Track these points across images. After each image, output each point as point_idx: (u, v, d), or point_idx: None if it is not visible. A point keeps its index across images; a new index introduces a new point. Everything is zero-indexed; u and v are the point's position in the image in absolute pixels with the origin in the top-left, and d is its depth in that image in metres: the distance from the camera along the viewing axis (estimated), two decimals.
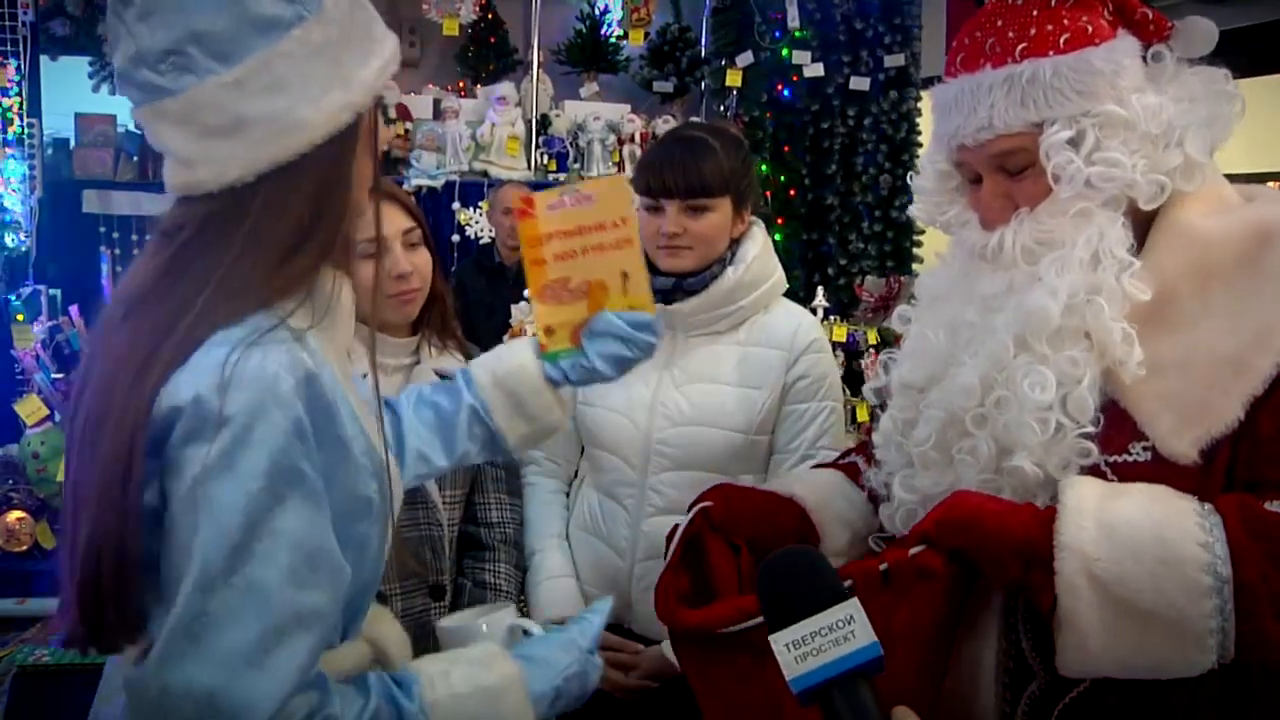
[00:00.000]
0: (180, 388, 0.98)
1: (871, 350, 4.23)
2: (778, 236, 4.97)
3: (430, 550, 1.85)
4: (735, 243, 1.94)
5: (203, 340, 1.00)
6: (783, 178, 5.05)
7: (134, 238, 4.83)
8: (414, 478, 1.43)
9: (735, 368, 1.91)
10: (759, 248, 1.95)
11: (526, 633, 1.34)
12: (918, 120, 5.09)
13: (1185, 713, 1.16)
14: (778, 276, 1.98)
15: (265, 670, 0.96)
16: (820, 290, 4.27)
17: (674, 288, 1.91)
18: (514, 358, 1.46)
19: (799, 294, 4.65)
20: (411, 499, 1.80)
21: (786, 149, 5.07)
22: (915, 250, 5.09)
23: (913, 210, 1.48)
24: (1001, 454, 1.23)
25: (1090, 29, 1.23)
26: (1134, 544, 1.09)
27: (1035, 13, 1.25)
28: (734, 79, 5.07)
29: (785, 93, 5.04)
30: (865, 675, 0.95)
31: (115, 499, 0.98)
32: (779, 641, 0.98)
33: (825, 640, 0.96)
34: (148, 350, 1.00)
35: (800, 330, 1.93)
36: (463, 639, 1.27)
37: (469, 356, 1.90)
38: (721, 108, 5.16)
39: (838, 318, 4.39)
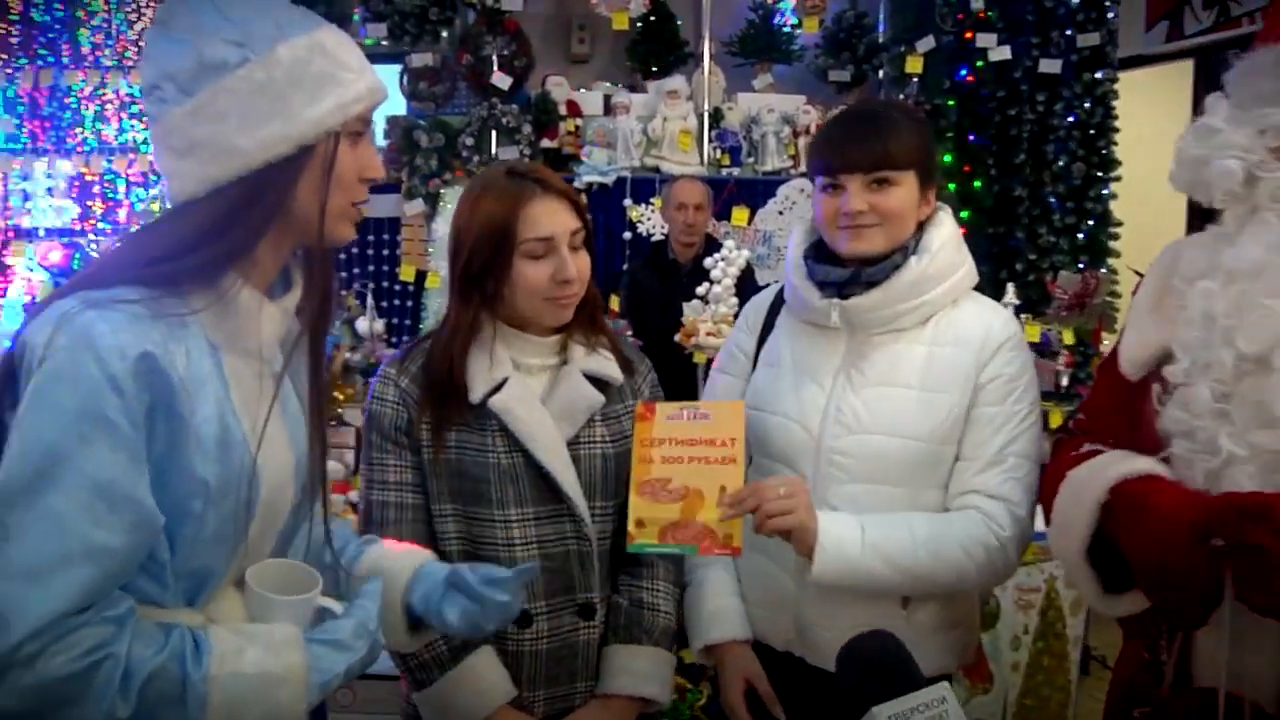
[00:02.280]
0: (32, 330, 1.15)
1: (1066, 351, 4.04)
2: (962, 231, 4.75)
3: (579, 566, 1.77)
4: (919, 229, 1.81)
5: (66, 295, 1.18)
6: (967, 168, 4.87)
7: None
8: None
9: (920, 370, 1.76)
10: (946, 236, 1.80)
11: (329, 611, 1.35)
12: (1114, 103, 4.81)
13: None
14: (968, 268, 1.84)
15: (43, 588, 1.07)
16: (1009, 287, 4.10)
17: (850, 280, 1.78)
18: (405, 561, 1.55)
19: (986, 290, 4.44)
20: (557, 512, 1.74)
21: (971, 138, 4.89)
22: (1112, 244, 4.82)
23: (1223, 166, 1.46)
24: None
25: None
26: None
27: None
28: (914, 65, 4.91)
29: (969, 78, 4.88)
30: None
31: None
32: (882, 714, 1.13)
33: (924, 716, 1.14)
34: (55, 293, 1.21)
35: (994, 328, 1.78)
36: (266, 609, 1.28)
37: (621, 355, 1.85)
38: (902, 96, 4.98)
39: (1029, 316, 4.21)
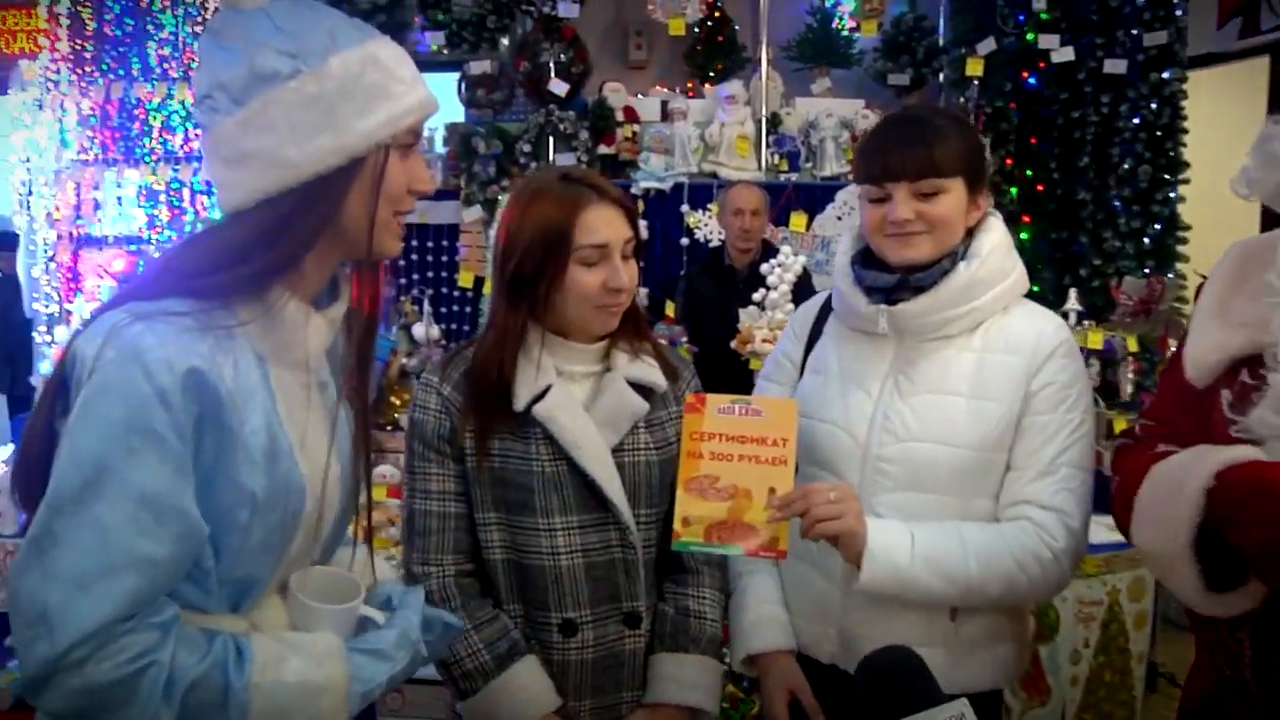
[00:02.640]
0: (81, 341, 1.17)
1: (1131, 358, 3.94)
2: (1024, 235, 4.75)
3: (624, 574, 1.75)
4: (969, 234, 1.77)
5: (116, 306, 1.19)
6: (1029, 172, 4.79)
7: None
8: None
9: (969, 377, 1.73)
10: (996, 241, 1.76)
11: (371, 620, 1.36)
12: (1183, 103, 4.69)
13: None
14: (1018, 274, 1.79)
15: (89, 597, 1.09)
16: (1072, 293, 4.02)
17: (898, 285, 1.74)
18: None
19: (1048, 297, 4.51)
20: (602, 520, 1.73)
21: (1033, 141, 4.81)
22: (1180, 248, 4.71)
23: None
24: None
25: None
26: None
27: None
28: (974, 68, 4.84)
29: (1031, 81, 4.79)
30: None
31: (36, 423, 1.20)
32: None
33: None
34: (106, 304, 1.23)
35: (1045, 334, 1.74)
36: (309, 618, 1.29)
37: (665, 361, 1.83)
38: (962, 99, 4.93)
39: (1092, 323, 4.11)
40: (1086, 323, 4.08)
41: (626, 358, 1.79)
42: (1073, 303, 3.97)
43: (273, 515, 1.23)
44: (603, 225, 1.68)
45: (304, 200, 1.22)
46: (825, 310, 1.95)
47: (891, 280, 1.75)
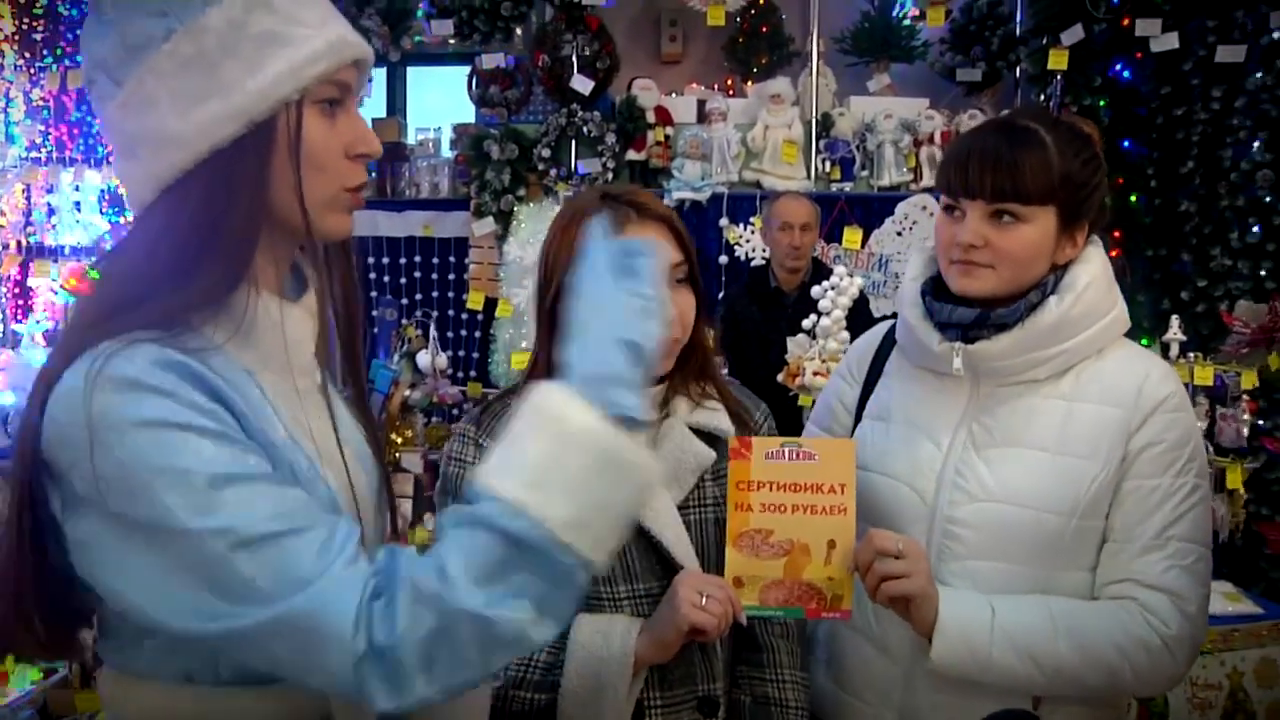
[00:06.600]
0: (54, 421, 1.06)
1: (1245, 398, 3.67)
2: (1114, 254, 4.46)
3: (699, 651, 1.67)
4: (1063, 266, 1.70)
5: (63, 369, 1.08)
6: (1121, 180, 4.58)
7: (369, 260, 4.95)
8: None
9: (1057, 429, 1.66)
10: (1095, 273, 1.69)
11: None
12: None
13: None
14: (1117, 312, 1.72)
15: (313, 596, 1.02)
16: (1174, 320, 3.76)
17: (976, 320, 1.67)
18: None
19: (1144, 326, 4.37)
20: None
21: (1126, 144, 4.61)
22: None
23: None
24: None
25: None
26: None
27: None
28: (1058, 61, 4.66)
29: (1125, 74, 4.62)
30: None
31: (16, 521, 1.10)
32: None
33: None
34: (51, 365, 1.10)
35: (1149, 383, 1.66)
36: None
37: (731, 403, 1.77)
38: (1042, 97, 4.75)
39: (1198, 355, 3.85)
40: (1192, 355, 3.82)
41: (687, 403, 1.75)
42: (1175, 332, 3.71)
43: None
44: None
45: (212, 184, 1.11)
46: (886, 346, 1.90)
47: (970, 315, 1.69)
